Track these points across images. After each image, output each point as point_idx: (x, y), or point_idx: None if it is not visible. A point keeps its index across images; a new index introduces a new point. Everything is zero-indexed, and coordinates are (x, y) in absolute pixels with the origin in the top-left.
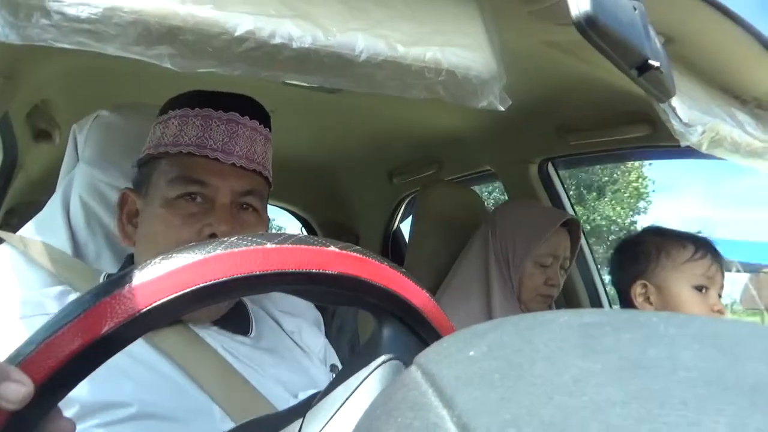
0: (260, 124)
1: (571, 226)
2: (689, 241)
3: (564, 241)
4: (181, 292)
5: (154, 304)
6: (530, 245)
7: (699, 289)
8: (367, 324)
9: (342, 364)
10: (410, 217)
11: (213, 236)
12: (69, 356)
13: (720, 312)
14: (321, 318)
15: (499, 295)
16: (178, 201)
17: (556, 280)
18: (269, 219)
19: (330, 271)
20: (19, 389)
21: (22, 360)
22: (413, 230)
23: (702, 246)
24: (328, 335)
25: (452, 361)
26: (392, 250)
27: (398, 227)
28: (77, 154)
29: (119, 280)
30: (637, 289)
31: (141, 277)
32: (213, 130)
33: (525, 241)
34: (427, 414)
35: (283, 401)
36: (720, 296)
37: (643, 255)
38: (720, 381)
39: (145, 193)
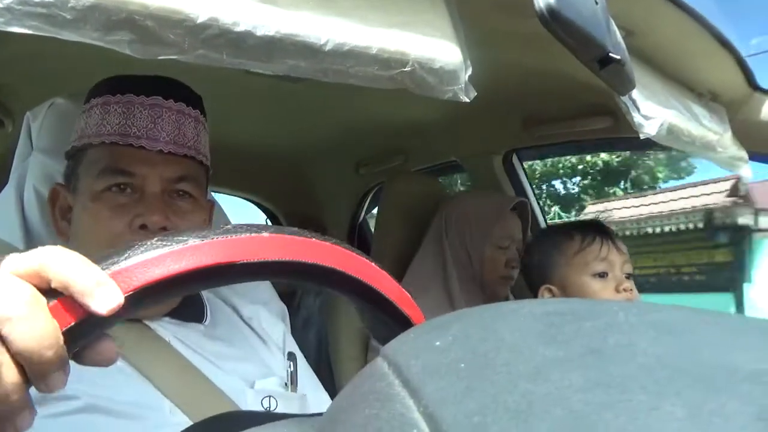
0: (188, 106)
1: (521, 211)
2: (575, 230)
3: (518, 224)
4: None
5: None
6: (487, 227)
7: (600, 275)
8: (334, 316)
9: (307, 357)
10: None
11: (144, 227)
12: (158, 279)
13: (626, 290)
14: (286, 310)
15: (459, 282)
16: (105, 193)
17: (515, 262)
18: (214, 205)
19: (323, 264)
20: (113, 301)
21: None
22: (379, 221)
23: (589, 231)
24: (293, 328)
25: (418, 352)
26: (358, 241)
27: (365, 218)
28: (31, 142)
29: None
30: (544, 295)
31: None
32: (136, 117)
33: (481, 223)
34: (394, 404)
35: (238, 391)
36: (630, 275)
37: (540, 259)
38: (677, 367)
39: (74, 187)
